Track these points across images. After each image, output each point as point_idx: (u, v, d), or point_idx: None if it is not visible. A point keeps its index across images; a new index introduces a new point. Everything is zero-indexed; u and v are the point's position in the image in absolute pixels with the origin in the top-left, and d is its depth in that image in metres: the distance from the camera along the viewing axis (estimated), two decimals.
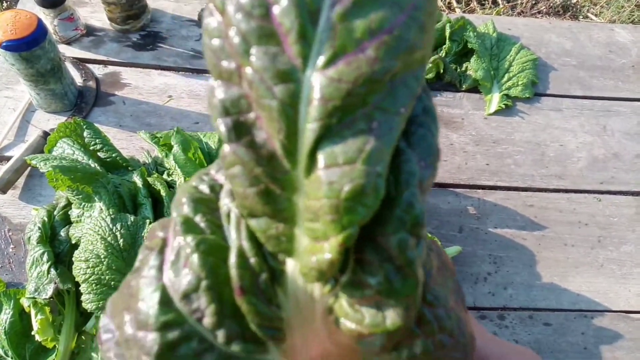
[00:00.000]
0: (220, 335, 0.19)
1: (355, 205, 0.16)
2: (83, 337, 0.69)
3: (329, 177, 0.16)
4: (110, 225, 0.63)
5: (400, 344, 0.21)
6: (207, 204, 0.20)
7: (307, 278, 0.19)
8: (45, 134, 0.84)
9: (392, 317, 0.18)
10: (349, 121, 0.15)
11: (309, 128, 0.16)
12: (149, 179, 0.72)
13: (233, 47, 0.16)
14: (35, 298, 0.66)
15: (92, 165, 0.70)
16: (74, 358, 0.68)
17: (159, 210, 0.70)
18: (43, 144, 0.81)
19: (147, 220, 0.65)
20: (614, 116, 1.04)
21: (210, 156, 0.76)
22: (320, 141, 0.16)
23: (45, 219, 0.70)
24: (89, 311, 0.62)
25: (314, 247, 0.17)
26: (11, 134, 0.87)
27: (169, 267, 0.20)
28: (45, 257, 0.66)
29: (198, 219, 0.20)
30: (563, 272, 0.85)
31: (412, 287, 0.18)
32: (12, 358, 0.65)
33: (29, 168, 0.84)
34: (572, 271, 0.85)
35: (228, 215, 0.20)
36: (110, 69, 0.97)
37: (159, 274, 0.20)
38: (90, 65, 0.97)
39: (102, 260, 0.61)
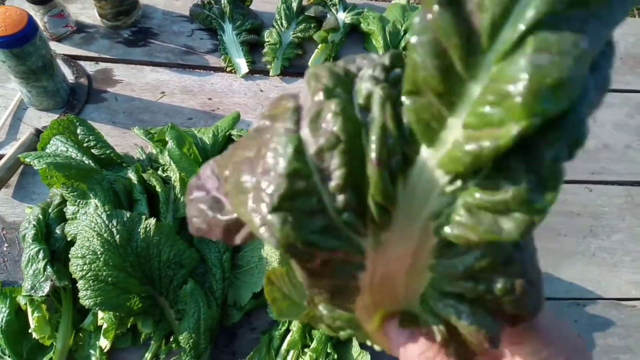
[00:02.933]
0: (340, 200, 0.20)
1: (552, 96, 0.15)
2: (80, 334, 0.68)
3: (537, 60, 0.15)
4: (107, 222, 0.62)
5: (479, 277, 0.21)
6: (343, 83, 0.21)
7: (447, 167, 0.19)
8: (38, 132, 0.83)
9: (509, 229, 0.18)
10: (567, 17, 0.16)
11: (532, 8, 0.16)
12: (144, 175, 0.72)
13: None
14: (32, 296, 0.66)
15: (87, 162, 0.70)
16: (72, 355, 0.68)
17: (155, 205, 0.70)
18: (35, 142, 0.81)
19: (143, 216, 0.64)
20: (605, 107, 1.05)
21: (205, 151, 0.76)
22: (536, 25, 0.16)
23: (40, 216, 0.69)
24: (86, 308, 0.62)
25: (472, 134, 0.18)
26: (2, 132, 0.87)
27: (307, 123, 0.20)
28: (41, 255, 0.66)
29: (338, 91, 0.21)
30: (556, 262, 0.86)
31: (547, 202, 0.18)
32: (9, 356, 0.65)
33: (22, 166, 0.83)
34: (565, 260, 0.86)
35: (367, 98, 0.20)
36: (102, 65, 0.97)
37: (296, 127, 0.21)
38: (81, 62, 0.96)
39: (99, 256, 0.61)
